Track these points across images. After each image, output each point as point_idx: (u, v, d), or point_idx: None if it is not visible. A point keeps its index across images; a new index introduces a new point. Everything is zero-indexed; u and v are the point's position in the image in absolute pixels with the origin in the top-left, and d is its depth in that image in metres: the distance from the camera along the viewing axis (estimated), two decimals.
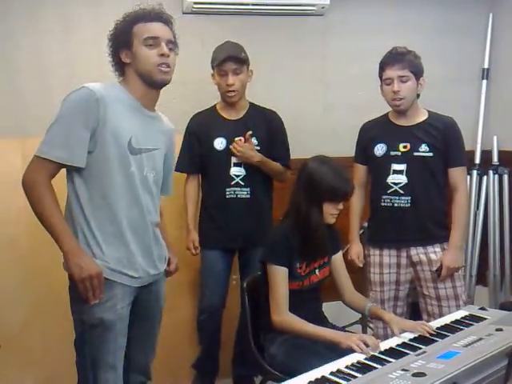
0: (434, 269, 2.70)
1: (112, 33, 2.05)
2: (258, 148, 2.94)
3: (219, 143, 2.93)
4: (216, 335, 3.08)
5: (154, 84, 2.04)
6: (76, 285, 1.86)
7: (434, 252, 2.72)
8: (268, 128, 3.00)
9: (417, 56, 2.70)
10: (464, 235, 2.89)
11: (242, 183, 2.92)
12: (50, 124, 1.92)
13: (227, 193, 2.92)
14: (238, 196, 2.93)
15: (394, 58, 2.66)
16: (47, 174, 1.90)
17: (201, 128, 2.97)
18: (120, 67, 2.07)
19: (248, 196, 2.94)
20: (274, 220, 2.48)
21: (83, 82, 1.96)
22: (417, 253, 2.74)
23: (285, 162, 3.03)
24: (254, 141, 2.93)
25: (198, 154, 2.97)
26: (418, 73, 2.67)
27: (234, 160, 2.92)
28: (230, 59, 2.85)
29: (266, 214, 3.02)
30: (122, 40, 2.01)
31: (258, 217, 2.97)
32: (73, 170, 1.95)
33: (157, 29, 2.00)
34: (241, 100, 2.98)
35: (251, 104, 3.05)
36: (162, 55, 1.99)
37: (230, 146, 2.89)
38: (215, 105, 3.05)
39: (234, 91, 2.89)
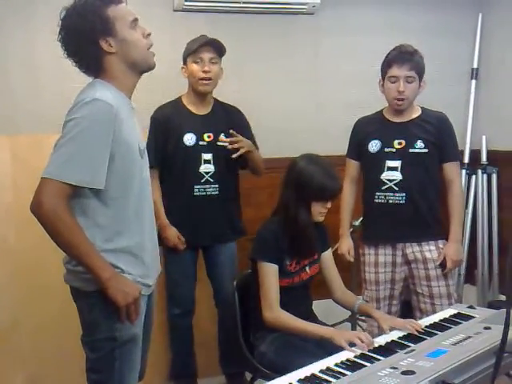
0: (438, 263, 2.70)
1: (79, 23, 1.75)
2: (227, 144, 2.84)
3: (189, 139, 2.82)
4: (190, 333, 3.03)
5: (146, 70, 1.88)
6: (119, 310, 1.73)
7: (429, 250, 2.73)
8: (234, 124, 2.90)
9: (422, 57, 2.68)
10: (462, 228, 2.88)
11: (212, 180, 2.84)
12: (63, 142, 1.69)
13: (195, 190, 2.83)
14: (208, 193, 2.85)
15: (403, 57, 2.62)
16: (66, 199, 1.69)
17: (168, 122, 2.82)
18: (97, 61, 1.81)
19: (217, 193, 2.87)
20: (263, 217, 2.46)
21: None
22: (412, 251, 2.74)
23: None
24: (223, 137, 2.87)
25: (162, 148, 2.81)
26: (421, 74, 2.67)
27: (204, 157, 2.83)
28: (208, 44, 2.78)
29: (233, 210, 2.98)
30: (99, 28, 1.76)
31: (226, 213, 2.92)
32: (86, 190, 1.74)
33: (130, 10, 1.84)
34: (210, 94, 2.90)
35: (215, 100, 2.95)
36: (149, 35, 1.86)
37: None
38: (180, 98, 2.91)
39: (209, 79, 2.78)
